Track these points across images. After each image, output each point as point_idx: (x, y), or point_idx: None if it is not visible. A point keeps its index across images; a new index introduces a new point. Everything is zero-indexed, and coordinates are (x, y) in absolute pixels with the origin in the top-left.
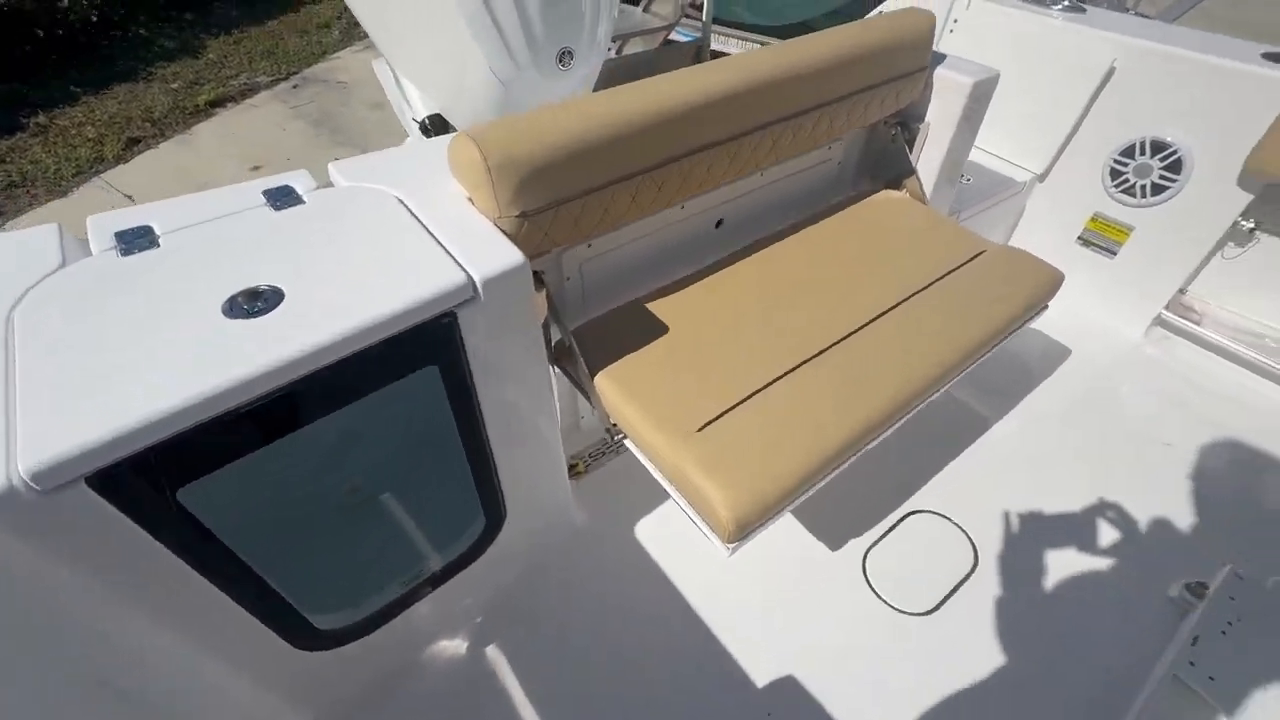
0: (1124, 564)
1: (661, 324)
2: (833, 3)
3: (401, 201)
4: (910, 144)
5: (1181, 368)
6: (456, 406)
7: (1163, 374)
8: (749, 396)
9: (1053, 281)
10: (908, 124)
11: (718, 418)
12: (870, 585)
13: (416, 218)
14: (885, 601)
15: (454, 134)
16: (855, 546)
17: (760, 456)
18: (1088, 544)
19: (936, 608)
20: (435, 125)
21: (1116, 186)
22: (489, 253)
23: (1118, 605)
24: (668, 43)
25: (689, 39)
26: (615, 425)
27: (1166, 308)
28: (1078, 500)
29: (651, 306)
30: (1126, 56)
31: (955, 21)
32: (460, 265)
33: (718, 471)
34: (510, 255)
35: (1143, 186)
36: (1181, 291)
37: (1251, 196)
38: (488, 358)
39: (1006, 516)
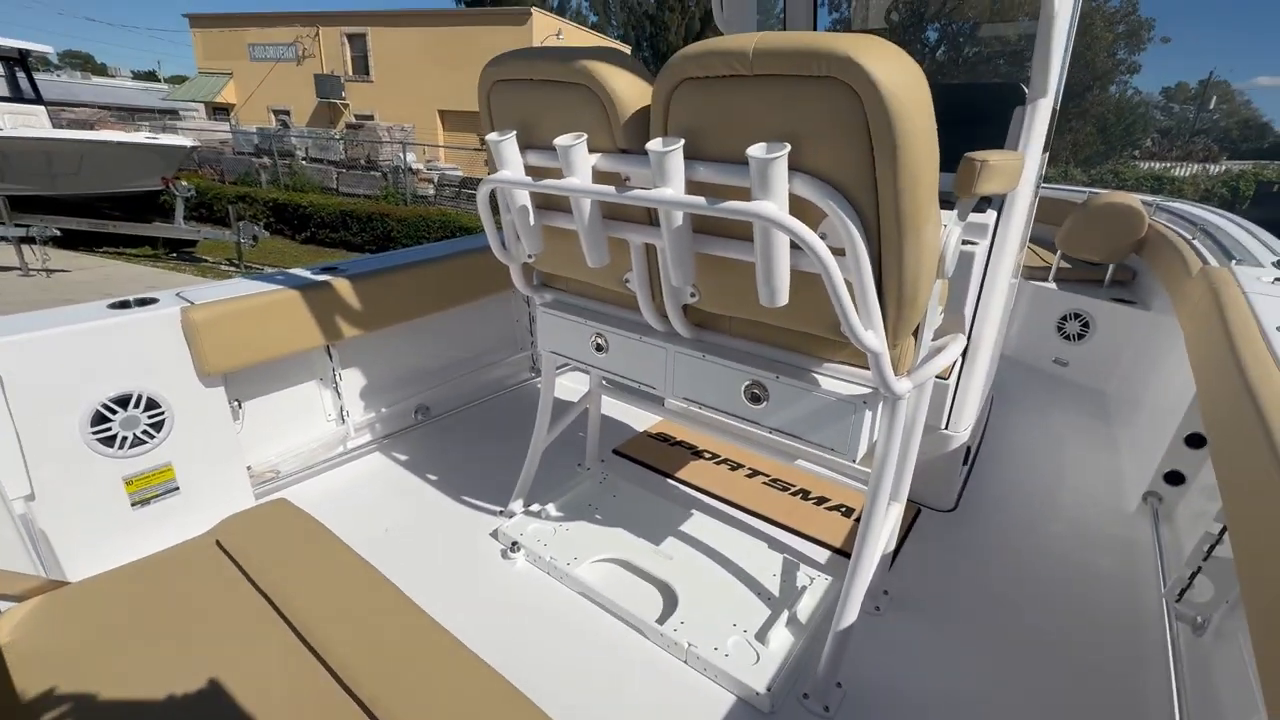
0: None
1: None
2: None
3: None
4: None
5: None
6: None
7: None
8: None
9: (292, 508)
10: None
11: None
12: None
13: None
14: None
15: None
16: None
17: None
18: None
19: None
20: None
21: (122, 447)
22: None
23: None
24: None
25: None
26: None
27: (253, 483)
28: None
29: None
30: (7, 359)
31: None
32: None
33: None
34: None
35: (144, 433)
36: (249, 469)
37: (222, 388)
38: None
39: None
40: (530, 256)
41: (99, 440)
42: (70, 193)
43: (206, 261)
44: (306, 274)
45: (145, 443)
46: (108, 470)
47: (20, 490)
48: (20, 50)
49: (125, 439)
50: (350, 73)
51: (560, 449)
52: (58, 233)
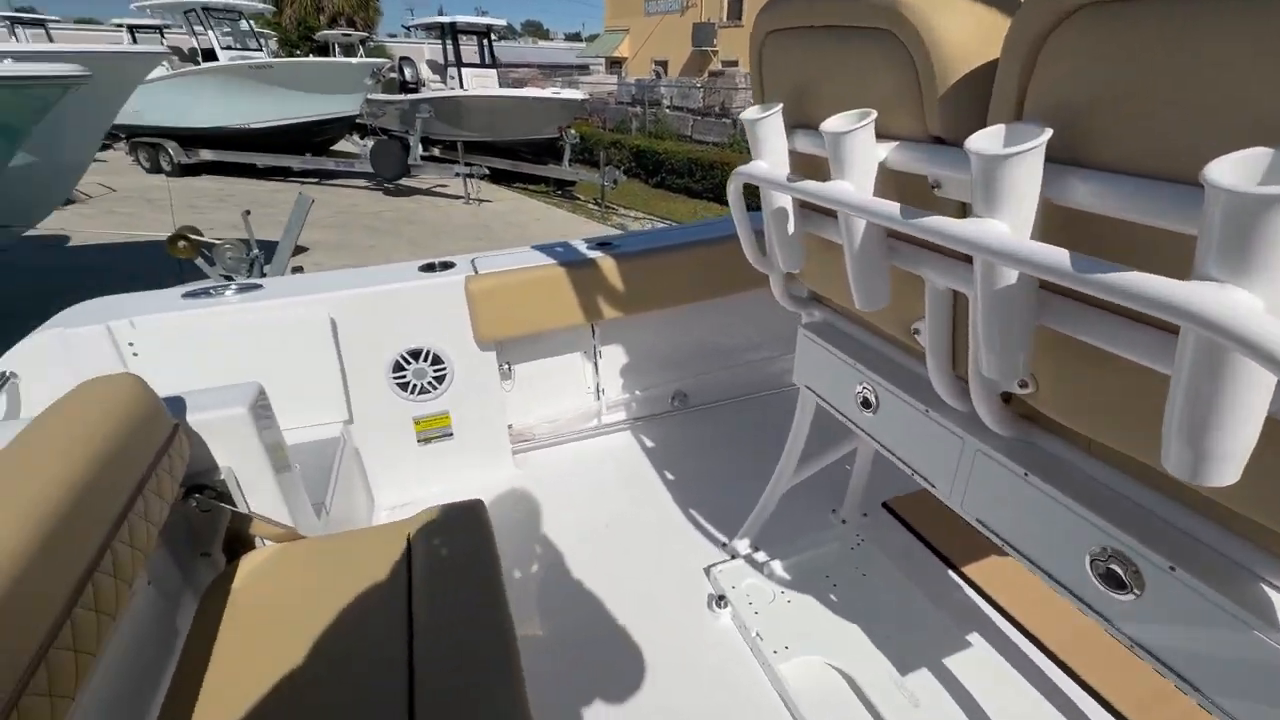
0: None
1: None
2: None
3: None
4: (224, 497)
5: (543, 469)
6: None
7: (536, 479)
8: None
9: (480, 508)
10: (208, 484)
11: None
12: None
13: None
14: None
15: None
16: None
17: None
18: None
19: None
20: None
21: (412, 393)
22: None
23: None
24: None
25: None
26: None
27: (512, 440)
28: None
29: None
30: (338, 308)
31: (132, 345)
32: None
33: None
34: None
35: (429, 383)
36: (510, 426)
37: (494, 351)
38: None
39: None
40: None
41: (397, 384)
42: (500, 139)
43: (579, 200)
44: (581, 249)
45: (430, 392)
46: (402, 409)
47: (341, 415)
48: (487, 25)
49: (416, 386)
50: (724, 18)
51: (817, 479)
52: (488, 171)
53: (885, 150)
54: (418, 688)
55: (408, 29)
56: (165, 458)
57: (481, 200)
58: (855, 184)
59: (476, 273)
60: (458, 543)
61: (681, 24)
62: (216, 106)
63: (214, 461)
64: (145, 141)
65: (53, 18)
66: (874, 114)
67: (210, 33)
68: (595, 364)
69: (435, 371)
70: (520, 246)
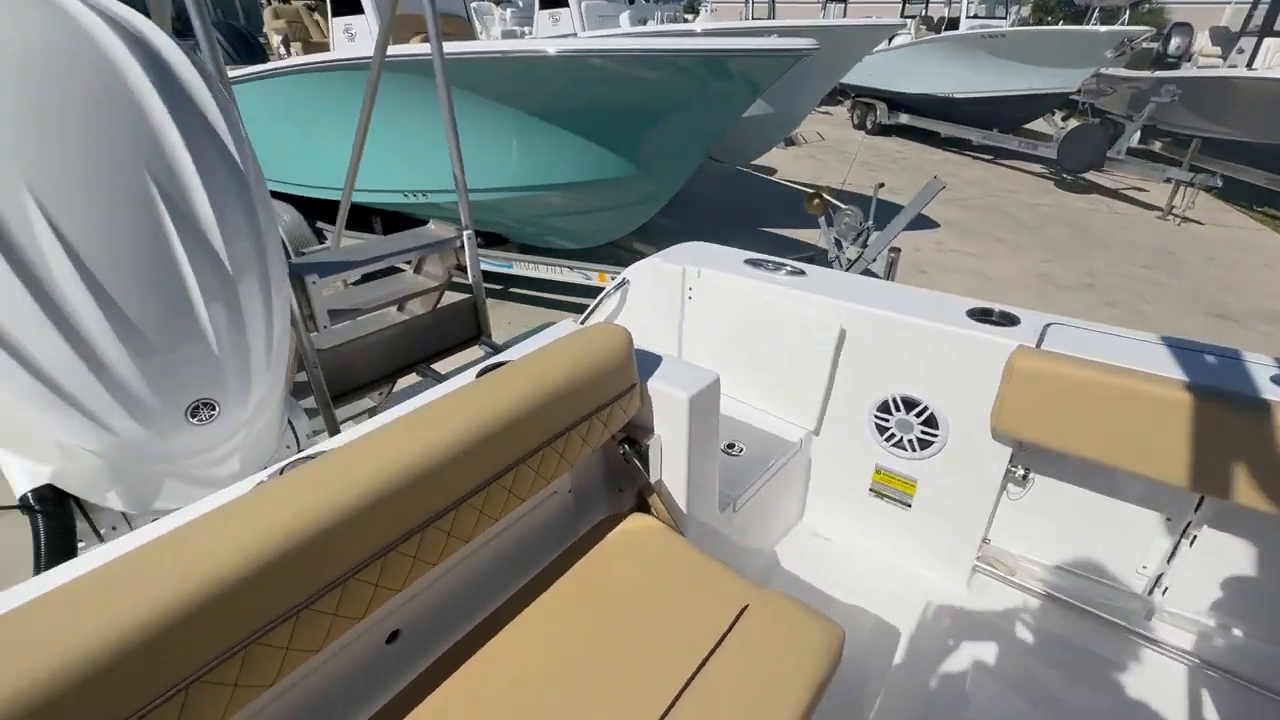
0: None
1: None
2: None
3: None
4: (644, 459)
5: (1003, 616)
6: None
7: (986, 621)
8: None
9: (836, 639)
10: (636, 439)
11: None
12: None
13: None
14: None
15: None
16: None
17: None
18: None
19: None
20: (47, 499)
21: (888, 441)
22: None
23: None
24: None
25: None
26: None
27: (979, 558)
28: None
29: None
30: (852, 321)
31: (691, 289)
32: None
33: None
34: None
35: (910, 441)
36: (986, 540)
37: (1011, 449)
38: None
39: None
40: None
41: (876, 423)
42: (1274, 141)
43: None
44: (1251, 372)
45: (906, 450)
46: (870, 450)
47: (810, 425)
48: None
49: (895, 436)
50: None
51: None
52: (1220, 183)
53: None
54: None
55: None
56: (610, 406)
57: (1188, 219)
58: None
59: (1039, 344)
60: (793, 653)
61: None
62: (932, 74)
63: (651, 425)
64: (864, 101)
65: None
66: None
67: (964, 2)
68: (1176, 544)
69: (924, 434)
70: (1140, 333)
